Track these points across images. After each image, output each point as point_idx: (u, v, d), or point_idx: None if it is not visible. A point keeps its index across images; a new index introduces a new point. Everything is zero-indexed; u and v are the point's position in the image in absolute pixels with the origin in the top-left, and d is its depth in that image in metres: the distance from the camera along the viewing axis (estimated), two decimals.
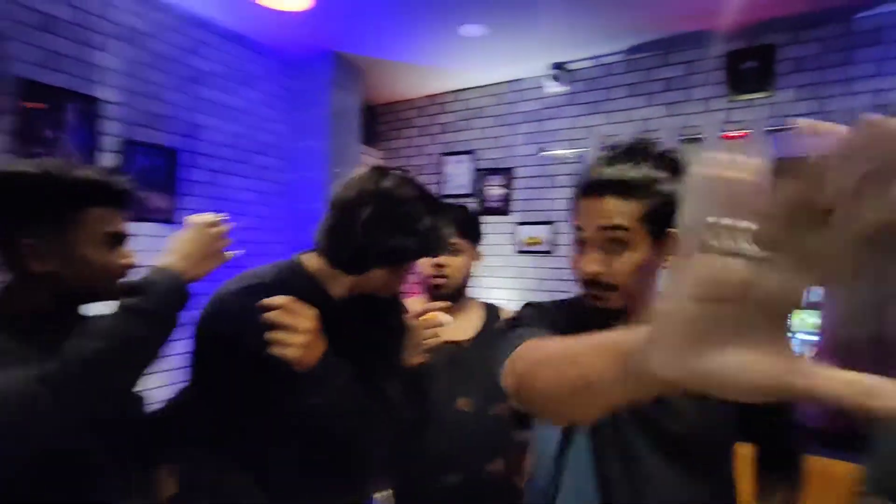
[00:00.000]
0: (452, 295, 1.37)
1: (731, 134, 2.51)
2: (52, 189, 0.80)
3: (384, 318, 1.07)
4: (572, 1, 2.29)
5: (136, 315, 0.82)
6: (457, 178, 3.36)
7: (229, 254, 0.97)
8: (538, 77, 3.06)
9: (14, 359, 0.75)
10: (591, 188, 0.77)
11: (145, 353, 0.83)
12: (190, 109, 2.47)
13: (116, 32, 2.18)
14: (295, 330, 0.82)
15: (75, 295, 0.86)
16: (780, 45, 2.48)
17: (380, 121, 3.73)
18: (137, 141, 2.25)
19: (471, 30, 2.59)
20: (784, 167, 0.25)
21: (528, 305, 0.90)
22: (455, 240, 1.37)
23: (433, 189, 3.41)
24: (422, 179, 3.45)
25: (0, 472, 0.74)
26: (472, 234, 1.45)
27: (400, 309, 1.13)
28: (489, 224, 3.27)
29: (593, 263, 0.77)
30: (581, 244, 0.80)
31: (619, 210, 0.74)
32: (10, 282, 0.83)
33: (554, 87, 2.97)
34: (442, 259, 1.36)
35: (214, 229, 0.93)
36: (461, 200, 3.36)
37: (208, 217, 0.94)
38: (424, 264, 1.37)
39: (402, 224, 0.92)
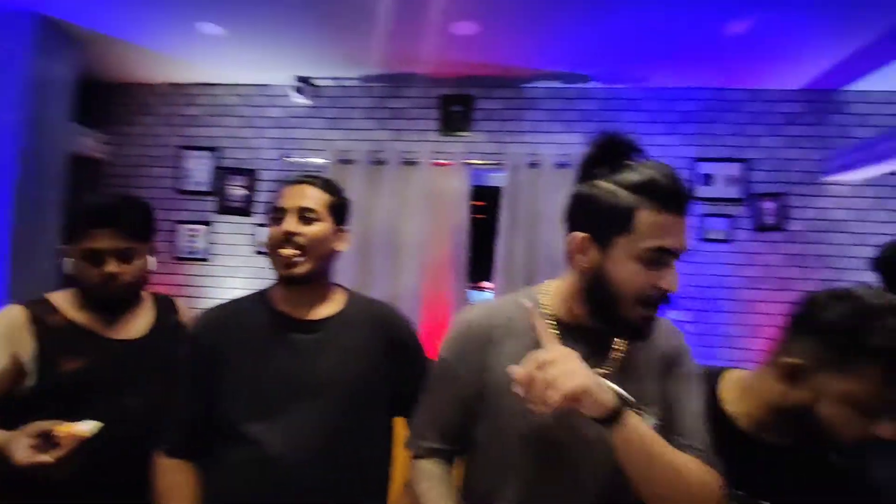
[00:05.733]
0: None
1: (441, 161, 3.07)
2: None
3: None
4: (315, 21, 2.52)
5: None
6: (197, 173, 3.27)
7: None
8: (285, 86, 3.23)
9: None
10: None
11: None
12: None
13: None
14: None
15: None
16: (476, 97, 3.15)
17: (112, 102, 3.39)
18: None
19: (209, 28, 2.61)
20: None
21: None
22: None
23: (169, 182, 3.24)
24: (156, 171, 3.33)
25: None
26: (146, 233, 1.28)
27: None
28: (229, 224, 3.27)
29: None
30: None
31: None
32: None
33: (299, 99, 3.16)
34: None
35: None
36: (200, 197, 3.28)
37: None
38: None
39: None
